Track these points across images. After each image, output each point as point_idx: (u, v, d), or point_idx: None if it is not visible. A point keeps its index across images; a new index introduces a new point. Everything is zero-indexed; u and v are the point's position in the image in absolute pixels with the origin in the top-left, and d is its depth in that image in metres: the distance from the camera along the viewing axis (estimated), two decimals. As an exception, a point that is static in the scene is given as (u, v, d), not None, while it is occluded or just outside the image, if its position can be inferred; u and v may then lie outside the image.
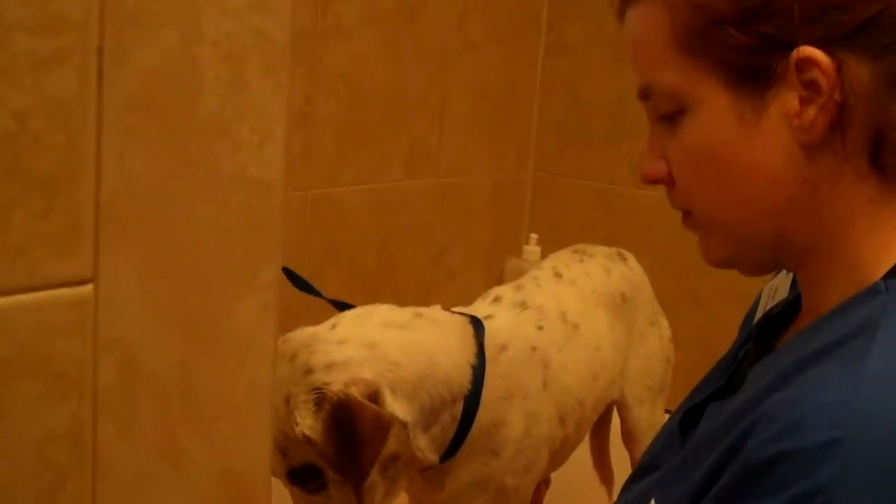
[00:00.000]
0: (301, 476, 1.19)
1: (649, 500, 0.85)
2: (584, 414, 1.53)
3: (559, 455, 1.50)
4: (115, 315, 0.57)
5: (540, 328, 1.41)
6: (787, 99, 0.76)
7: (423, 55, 2.20)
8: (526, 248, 2.59)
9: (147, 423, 0.60)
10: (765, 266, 0.85)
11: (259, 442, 0.67)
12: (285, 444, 1.16)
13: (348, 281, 2.10)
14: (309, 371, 1.17)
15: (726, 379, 0.92)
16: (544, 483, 2.00)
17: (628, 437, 1.79)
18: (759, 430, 0.69)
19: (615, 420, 1.82)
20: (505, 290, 1.47)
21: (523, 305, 1.42)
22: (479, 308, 1.44)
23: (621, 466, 1.86)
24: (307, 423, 1.14)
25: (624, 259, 1.81)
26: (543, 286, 1.59)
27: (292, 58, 0.62)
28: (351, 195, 2.10)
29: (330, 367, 1.17)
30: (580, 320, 1.44)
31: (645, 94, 0.83)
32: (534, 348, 1.38)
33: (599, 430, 1.94)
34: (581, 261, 1.73)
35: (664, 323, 1.86)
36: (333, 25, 1.98)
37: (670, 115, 0.81)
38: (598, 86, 2.54)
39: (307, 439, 1.14)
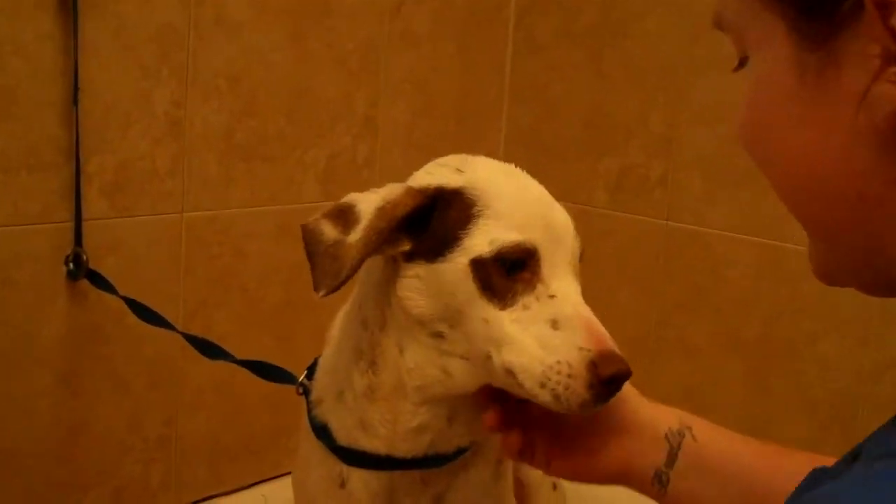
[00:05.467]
0: None
1: None
2: None
3: None
4: None
5: None
6: (864, 53, 0.54)
7: (340, 49, 1.85)
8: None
9: None
10: (885, 284, 0.62)
11: None
12: None
13: (244, 318, 1.75)
14: None
15: None
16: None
17: None
18: None
19: None
20: None
21: None
22: None
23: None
24: None
25: None
26: None
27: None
28: (246, 218, 1.75)
29: None
30: None
31: (717, 24, 0.66)
32: None
33: None
34: None
35: None
36: (213, 16, 1.64)
37: (741, 60, 0.65)
38: (572, 90, 2.16)
39: None
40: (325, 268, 0.98)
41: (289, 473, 1.81)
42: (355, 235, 0.98)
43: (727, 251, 1.96)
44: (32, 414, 1.54)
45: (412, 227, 1.00)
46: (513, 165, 1.08)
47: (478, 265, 0.96)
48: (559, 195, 2.16)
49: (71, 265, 1.53)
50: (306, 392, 1.20)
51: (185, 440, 1.75)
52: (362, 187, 1.92)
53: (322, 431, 1.16)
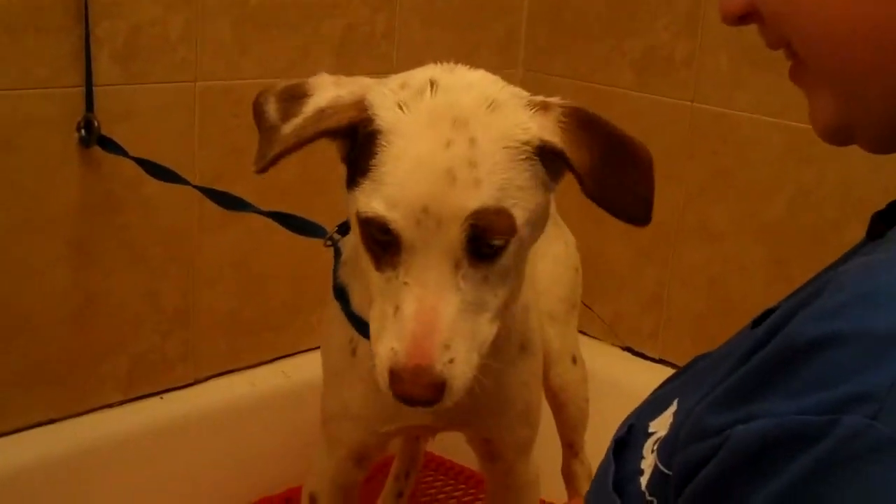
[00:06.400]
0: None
1: (671, 403, 0.67)
2: None
3: None
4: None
5: None
6: None
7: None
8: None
9: None
10: (890, 139, 0.65)
11: None
12: None
13: (260, 192, 1.72)
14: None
15: None
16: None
17: None
18: (813, 302, 0.53)
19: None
20: None
21: None
22: None
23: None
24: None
25: None
26: None
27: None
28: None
29: None
30: None
31: None
32: None
33: None
34: None
35: None
36: None
37: None
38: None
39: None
40: (261, 146, 0.97)
41: (309, 350, 1.82)
42: (287, 129, 0.96)
43: (753, 133, 1.91)
44: (46, 281, 1.54)
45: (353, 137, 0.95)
46: (491, 86, 0.96)
47: (360, 220, 0.93)
48: (582, 76, 2.13)
49: (83, 131, 1.51)
50: (335, 247, 1.19)
51: (202, 314, 1.75)
52: (380, 61, 1.89)
53: (341, 292, 1.16)
